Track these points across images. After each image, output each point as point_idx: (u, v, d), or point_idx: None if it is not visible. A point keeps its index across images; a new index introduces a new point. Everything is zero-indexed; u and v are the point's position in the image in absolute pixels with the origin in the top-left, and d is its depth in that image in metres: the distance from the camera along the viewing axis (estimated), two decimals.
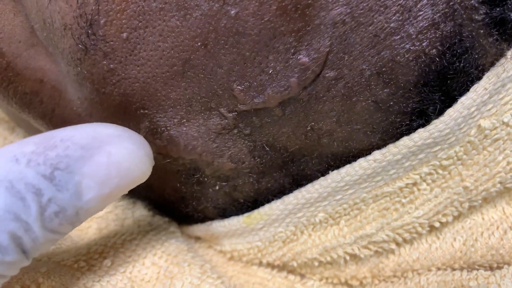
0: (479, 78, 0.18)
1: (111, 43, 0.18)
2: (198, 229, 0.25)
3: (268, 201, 0.22)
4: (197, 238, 0.27)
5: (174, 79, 0.19)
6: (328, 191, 0.21)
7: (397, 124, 0.19)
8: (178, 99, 0.19)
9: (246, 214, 0.23)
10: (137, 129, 0.21)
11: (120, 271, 0.23)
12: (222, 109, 0.19)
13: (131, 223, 0.26)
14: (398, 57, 0.17)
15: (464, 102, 0.18)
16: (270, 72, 0.18)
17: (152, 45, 0.18)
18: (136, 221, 0.26)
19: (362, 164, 0.20)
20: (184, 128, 0.20)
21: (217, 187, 0.22)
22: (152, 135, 0.20)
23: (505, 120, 0.19)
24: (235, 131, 0.20)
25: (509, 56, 0.18)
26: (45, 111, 0.22)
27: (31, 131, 0.28)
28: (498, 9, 0.17)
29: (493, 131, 0.19)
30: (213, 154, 0.21)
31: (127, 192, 0.24)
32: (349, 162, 0.20)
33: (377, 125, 0.19)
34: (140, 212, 0.27)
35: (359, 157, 0.20)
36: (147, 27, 0.18)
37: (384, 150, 0.19)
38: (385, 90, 0.18)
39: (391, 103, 0.18)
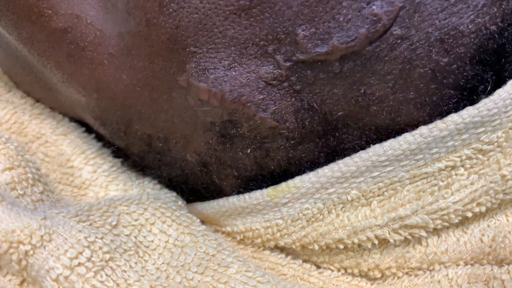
0: None
1: None
2: (210, 205, 0.23)
3: (299, 173, 0.21)
4: (202, 223, 0.25)
5: (237, 15, 0.18)
6: (367, 165, 0.20)
7: (447, 99, 0.19)
8: (235, 38, 0.19)
9: (272, 187, 0.22)
10: (181, 70, 0.20)
11: (125, 233, 0.21)
12: (279, 56, 0.19)
13: (137, 191, 0.24)
14: (462, 27, 0.18)
15: None
16: (340, 19, 0.18)
17: None
18: (142, 190, 0.24)
19: (407, 138, 0.20)
20: (234, 73, 0.19)
21: (248, 150, 0.21)
22: (197, 77, 0.19)
23: None
24: (286, 84, 0.19)
25: None
26: (73, 51, 0.21)
27: (34, 90, 0.26)
28: None
29: None
30: (257, 106, 0.20)
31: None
32: (391, 138, 0.20)
33: (429, 97, 0.19)
34: (146, 183, 0.24)
35: (402, 133, 0.20)
36: None
37: (431, 125, 0.20)
38: (444, 59, 0.19)
39: (447, 74, 0.19)
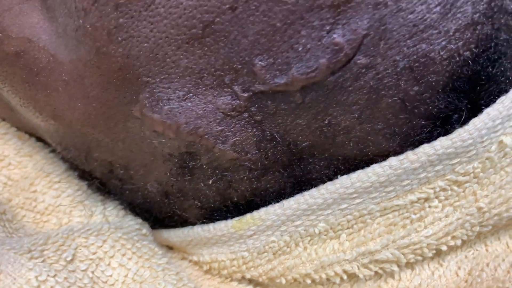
0: (507, 91, 0.18)
1: None
2: (175, 234, 0.22)
3: (264, 204, 0.20)
4: (169, 248, 0.24)
5: (189, 44, 0.17)
6: (334, 197, 0.19)
7: (419, 129, 0.18)
8: (190, 68, 0.17)
9: (236, 218, 0.20)
10: (135, 101, 0.18)
11: (81, 268, 0.20)
12: (236, 86, 0.17)
13: (99, 219, 0.23)
14: (433, 54, 0.17)
15: (490, 113, 0.18)
16: (299, 49, 0.16)
17: (174, 1, 0.16)
18: (105, 217, 0.23)
19: (376, 170, 0.18)
20: (189, 104, 0.18)
21: (210, 181, 0.20)
22: (151, 108, 0.18)
23: None
24: (245, 115, 0.18)
25: None
26: (27, 76, 0.20)
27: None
28: None
29: None
30: (215, 138, 0.18)
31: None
32: (360, 168, 0.19)
33: (399, 127, 0.18)
34: (110, 210, 0.23)
35: (372, 163, 0.19)
36: None
37: (401, 156, 0.18)
38: (415, 88, 0.17)
39: (418, 104, 0.18)
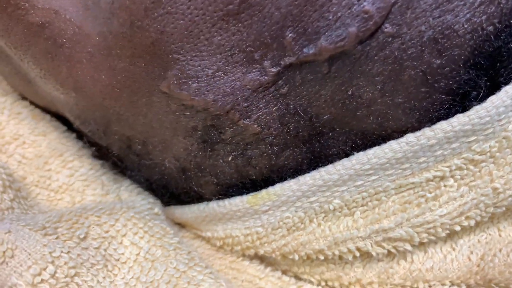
0: None
1: None
2: (190, 210, 0.23)
3: (280, 181, 0.20)
4: (181, 227, 0.24)
5: (225, 21, 0.17)
6: (350, 173, 0.19)
7: (438, 104, 0.18)
8: (221, 45, 0.18)
9: (252, 194, 0.21)
10: (163, 77, 0.19)
11: (94, 246, 0.20)
12: (266, 61, 0.18)
13: (112, 198, 0.23)
14: (457, 26, 0.17)
15: (508, 91, 0.18)
16: (329, 17, 0.17)
17: None
18: (118, 196, 0.23)
19: (392, 146, 0.19)
20: (218, 82, 0.18)
21: (230, 158, 0.20)
22: (178, 85, 0.18)
23: None
24: (272, 89, 0.18)
25: None
26: (50, 47, 0.20)
27: (14, 81, 0.25)
28: None
29: None
30: (241, 113, 0.19)
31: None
32: (377, 145, 0.19)
33: (419, 101, 0.18)
34: (123, 189, 0.24)
35: (389, 140, 0.19)
36: None
37: (418, 133, 0.18)
38: (437, 61, 0.18)
39: (439, 78, 0.18)
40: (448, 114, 0.18)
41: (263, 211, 0.21)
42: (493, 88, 0.18)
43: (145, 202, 0.23)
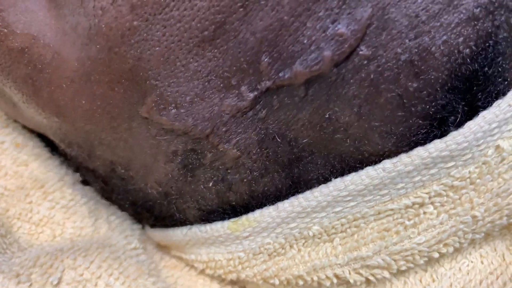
0: (504, 94, 0.17)
1: None
2: (174, 233, 0.23)
3: (260, 207, 0.20)
4: (165, 251, 0.24)
5: (200, 47, 0.17)
6: (328, 200, 0.19)
7: (415, 129, 0.18)
8: (198, 71, 0.18)
9: (232, 220, 0.21)
10: (141, 103, 0.19)
11: None
12: (243, 87, 0.18)
13: (89, 234, 0.23)
14: (434, 48, 0.17)
15: (486, 116, 0.17)
16: (304, 41, 0.17)
17: (188, 3, 0.16)
18: (94, 232, 0.23)
19: (369, 173, 0.18)
20: (196, 107, 0.18)
21: (210, 183, 0.20)
22: (158, 111, 0.19)
23: None
24: (250, 113, 0.18)
25: None
26: (31, 72, 0.20)
27: (0, 104, 0.25)
28: None
29: (511, 155, 0.18)
30: (220, 137, 0.19)
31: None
32: (355, 170, 0.19)
33: (395, 126, 0.18)
34: (100, 222, 0.24)
35: (366, 165, 0.19)
36: None
37: (395, 159, 0.18)
38: (414, 84, 0.17)
39: (416, 102, 0.18)
40: (426, 139, 0.18)
41: (244, 237, 0.21)
42: (471, 113, 0.18)
43: (121, 237, 0.23)
